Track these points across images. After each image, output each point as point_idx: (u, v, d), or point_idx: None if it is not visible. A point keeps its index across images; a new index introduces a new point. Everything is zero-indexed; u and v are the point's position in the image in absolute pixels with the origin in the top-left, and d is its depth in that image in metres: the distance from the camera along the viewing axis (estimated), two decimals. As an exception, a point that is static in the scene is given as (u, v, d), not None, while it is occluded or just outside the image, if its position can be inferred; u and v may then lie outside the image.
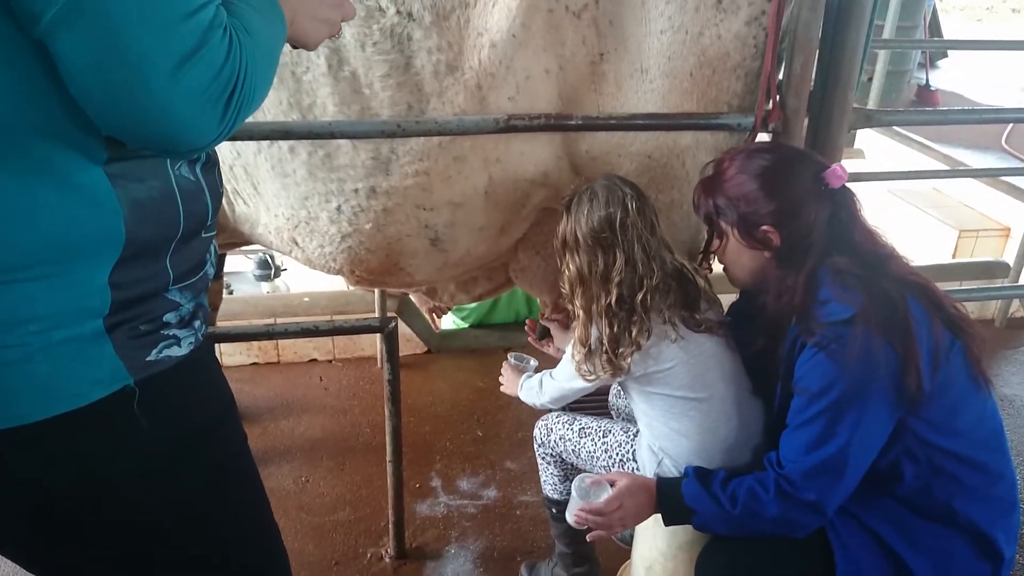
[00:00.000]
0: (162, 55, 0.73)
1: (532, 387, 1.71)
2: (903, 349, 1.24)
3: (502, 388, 1.84)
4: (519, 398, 1.75)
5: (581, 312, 1.48)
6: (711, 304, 1.53)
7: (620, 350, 1.43)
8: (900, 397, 1.25)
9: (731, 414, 1.48)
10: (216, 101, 0.77)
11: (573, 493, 1.46)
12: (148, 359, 0.88)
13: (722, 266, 1.52)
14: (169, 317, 0.91)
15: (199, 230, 0.95)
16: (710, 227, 1.48)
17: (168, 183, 0.88)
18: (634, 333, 1.42)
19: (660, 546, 1.63)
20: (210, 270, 1.01)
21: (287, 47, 0.99)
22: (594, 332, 1.47)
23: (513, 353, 1.90)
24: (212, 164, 0.98)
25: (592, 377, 1.50)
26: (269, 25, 0.88)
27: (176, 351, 0.91)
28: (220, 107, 0.78)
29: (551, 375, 1.65)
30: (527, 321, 2.04)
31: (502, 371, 1.86)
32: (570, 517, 1.47)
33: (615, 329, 1.43)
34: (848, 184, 1.37)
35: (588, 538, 1.49)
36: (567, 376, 1.58)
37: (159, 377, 0.89)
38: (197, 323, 0.96)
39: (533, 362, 1.86)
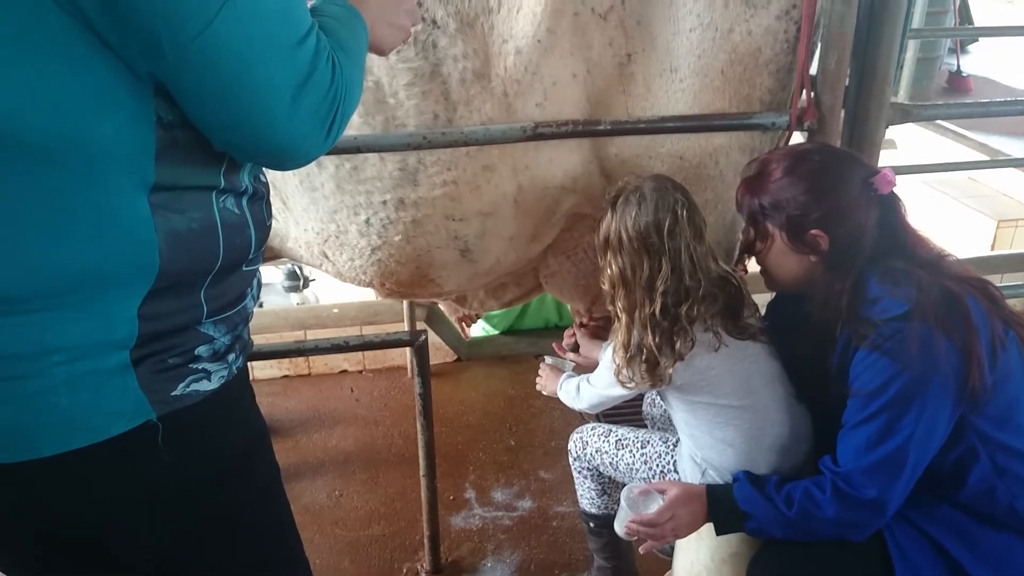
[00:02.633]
0: (283, 81, 0.78)
1: (570, 391, 1.68)
2: (963, 345, 1.21)
3: (539, 387, 1.81)
4: (557, 398, 1.72)
5: (624, 315, 1.43)
6: (751, 310, 1.49)
7: (662, 360, 1.39)
8: (962, 394, 1.22)
9: (776, 420, 1.44)
10: (324, 120, 0.84)
11: (622, 504, 1.43)
12: (174, 393, 0.85)
13: (760, 269, 1.48)
14: (201, 351, 0.88)
15: (239, 264, 0.93)
16: (754, 228, 1.43)
17: (210, 215, 0.85)
18: (677, 345, 1.37)
19: (703, 559, 1.59)
20: (250, 303, 0.99)
21: None
22: (635, 336, 1.42)
23: (547, 356, 1.87)
24: (259, 197, 0.96)
25: (631, 384, 1.46)
26: (356, 40, 0.93)
27: (205, 385, 0.89)
28: (326, 125, 0.84)
29: (588, 381, 1.62)
30: (567, 331, 1.96)
31: (539, 372, 1.83)
32: (620, 529, 1.44)
33: (657, 339, 1.38)
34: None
35: (641, 550, 1.45)
36: (605, 383, 1.54)
37: (184, 412, 0.86)
38: (232, 356, 0.94)
39: (569, 364, 1.83)
